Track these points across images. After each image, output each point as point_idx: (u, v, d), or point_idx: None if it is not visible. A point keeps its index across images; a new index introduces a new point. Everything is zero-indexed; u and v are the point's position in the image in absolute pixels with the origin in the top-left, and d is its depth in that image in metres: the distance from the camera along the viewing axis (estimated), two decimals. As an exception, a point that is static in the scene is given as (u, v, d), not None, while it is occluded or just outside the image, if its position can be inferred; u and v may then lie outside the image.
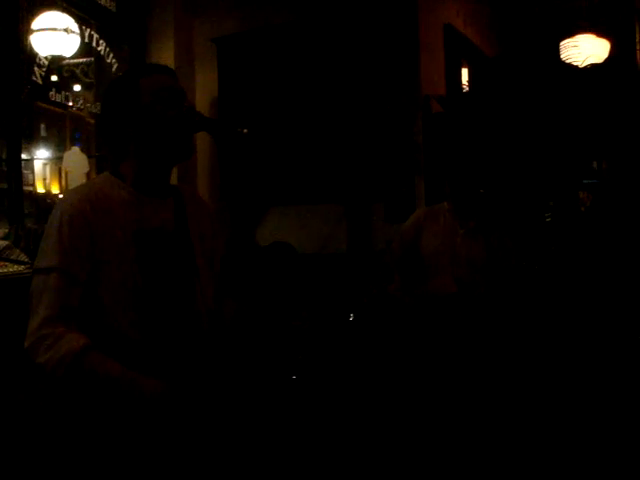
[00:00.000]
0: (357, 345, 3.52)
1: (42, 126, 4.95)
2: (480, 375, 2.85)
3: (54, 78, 4.68)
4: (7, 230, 3.83)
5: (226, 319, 1.79)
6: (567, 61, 5.02)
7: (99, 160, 5.00)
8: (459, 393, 2.85)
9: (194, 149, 1.63)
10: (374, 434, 2.93)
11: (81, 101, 4.93)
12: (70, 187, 4.48)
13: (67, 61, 4.65)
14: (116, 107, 1.60)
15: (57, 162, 4.92)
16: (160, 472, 1.49)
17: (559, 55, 5.07)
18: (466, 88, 5.51)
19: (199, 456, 1.53)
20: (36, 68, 4.39)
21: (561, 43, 5.07)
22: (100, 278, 1.49)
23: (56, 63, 4.56)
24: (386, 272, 3.30)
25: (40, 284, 1.48)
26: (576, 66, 4.96)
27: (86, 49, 4.79)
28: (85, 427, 1.51)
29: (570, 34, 5.00)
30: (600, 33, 5.00)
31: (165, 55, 5.09)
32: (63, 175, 4.79)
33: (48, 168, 4.87)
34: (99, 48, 4.94)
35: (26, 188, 4.47)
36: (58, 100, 4.69)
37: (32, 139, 4.60)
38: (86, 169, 4.84)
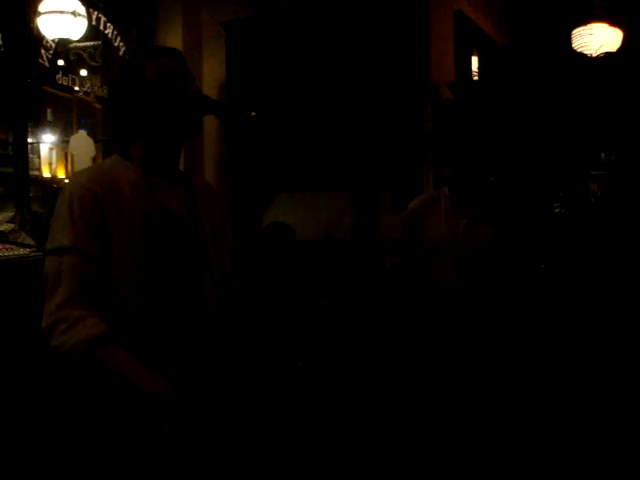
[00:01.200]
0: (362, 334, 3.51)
1: (48, 110, 4.91)
2: (484, 371, 2.82)
3: (61, 62, 4.64)
4: (13, 214, 3.82)
5: (236, 308, 1.78)
6: (579, 50, 4.96)
7: (105, 144, 4.98)
8: (463, 389, 2.82)
9: (201, 128, 1.61)
10: (377, 429, 2.92)
11: (88, 85, 4.90)
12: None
13: (74, 44, 4.61)
14: (122, 90, 1.59)
15: (63, 146, 4.90)
16: (160, 465, 1.48)
17: (571, 44, 5.01)
18: (476, 76, 5.46)
19: (199, 452, 1.52)
20: (43, 51, 4.36)
21: (573, 32, 5.00)
22: (111, 258, 1.48)
23: (63, 46, 4.52)
24: (383, 260, 3.23)
25: (55, 264, 1.46)
26: (587, 55, 4.90)
27: (93, 32, 4.75)
28: (90, 415, 1.50)
29: (583, 23, 4.94)
30: (613, 22, 4.93)
31: (173, 39, 5.06)
32: (69, 159, 4.77)
33: (54, 152, 4.85)
34: (107, 31, 4.90)
35: (32, 172, 4.46)
36: (65, 84, 4.66)
37: (38, 123, 4.57)
38: (92, 153, 4.82)
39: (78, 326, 1.40)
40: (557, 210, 4.27)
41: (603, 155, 5.00)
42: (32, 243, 3.46)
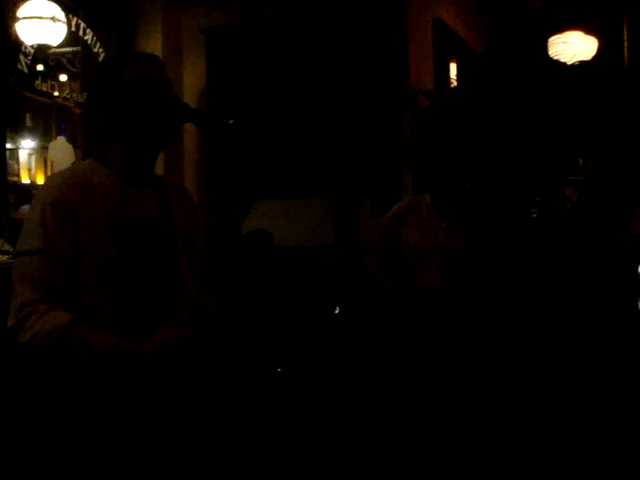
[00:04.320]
0: (342, 338, 3.52)
1: (27, 115, 4.89)
2: (469, 370, 2.84)
3: (40, 67, 4.63)
4: (-9, 220, 3.80)
5: (208, 314, 1.76)
6: (555, 58, 5.03)
7: (85, 150, 4.96)
8: (446, 389, 2.84)
9: (180, 136, 1.62)
10: (360, 430, 2.93)
11: (67, 91, 4.88)
12: (55, 177, 4.44)
13: (53, 50, 4.59)
14: (100, 95, 1.59)
15: (42, 152, 4.87)
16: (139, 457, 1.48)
17: (547, 52, 5.09)
18: (454, 83, 5.52)
19: (181, 451, 1.53)
20: (22, 57, 4.35)
21: (549, 40, 5.08)
22: (82, 262, 1.48)
23: (42, 52, 4.50)
24: (362, 260, 3.25)
25: (22, 266, 1.46)
26: (564, 63, 4.98)
27: (73, 38, 4.74)
28: (62, 411, 1.50)
29: (558, 31, 5.02)
30: (588, 30, 5.02)
31: (153, 45, 5.06)
32: (49, 165, 4.75)
33: (33, 158, 4.81)
34: (86, 37, 4.89)
35: (10, 178, 4.42)
36: (44, 89, 4.65)
37: (17, 128, 4.55)
38: (72, 159, 4.79)
39: (46, 317, 1.40)
40: (534, 215, 4.33)
41: (581, 161, 5.08)
42: (11, 249, 3.45)
